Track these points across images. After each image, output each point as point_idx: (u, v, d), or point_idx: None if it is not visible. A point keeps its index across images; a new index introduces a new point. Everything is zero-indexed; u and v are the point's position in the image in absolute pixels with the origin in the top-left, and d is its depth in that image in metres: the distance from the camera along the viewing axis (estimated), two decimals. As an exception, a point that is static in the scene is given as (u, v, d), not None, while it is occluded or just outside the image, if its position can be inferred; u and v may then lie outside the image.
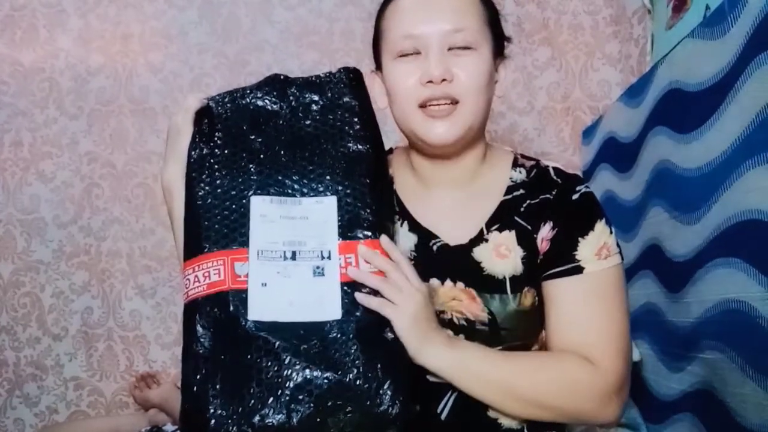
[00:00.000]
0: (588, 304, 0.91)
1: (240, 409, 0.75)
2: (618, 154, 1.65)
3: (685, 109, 1.26)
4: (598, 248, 0.92)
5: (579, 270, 0.91)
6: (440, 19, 0.92)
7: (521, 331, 0.94)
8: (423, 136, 0.93)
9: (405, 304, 0.82)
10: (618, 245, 0.94)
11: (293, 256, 0.83)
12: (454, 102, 0.91)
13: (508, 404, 0.88)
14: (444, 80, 0.90)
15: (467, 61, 0.92)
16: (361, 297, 0.82)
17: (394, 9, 0.96)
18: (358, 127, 0.91)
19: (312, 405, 0.75)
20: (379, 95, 1.00)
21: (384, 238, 0.86)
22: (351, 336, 0.79)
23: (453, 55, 0.92)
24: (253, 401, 0.75)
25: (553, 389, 0.87)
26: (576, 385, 0.87)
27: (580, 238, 0.92)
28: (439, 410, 0.93)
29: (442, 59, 0.91)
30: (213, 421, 0.75)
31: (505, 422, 0.94)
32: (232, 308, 0.79)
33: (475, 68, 0.92)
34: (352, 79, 0.95)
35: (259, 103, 0.93)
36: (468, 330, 0.93)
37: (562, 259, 0.92)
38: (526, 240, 0.95)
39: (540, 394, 0.87)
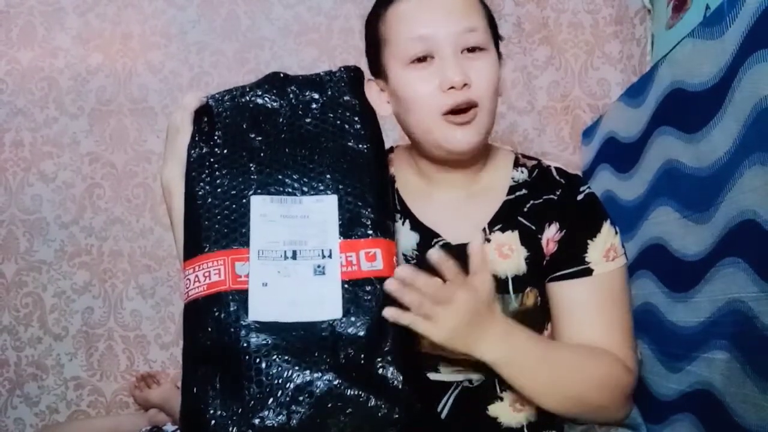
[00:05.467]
0: (599, 306, 0.92)
1: (240, 409, 0.75)
2: (618, 153, 1.65)
3: (689, 109, 1.26)
4: (605, 250, 0.93)
5: (588, 272, 0.92)
6: (451, 20, 0.90)
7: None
8: (444, 144, 0.92)
9: (441, 321, 0.79)
10: (623, 245, 0.95)
11: (294, 256, 0.82)
12: (474, 105, 0.90)
13: (550, 400, 0.88)
14: (465, 85, 0.89)
15: (481, 64, 0.91)
16: (390, 313, 0.78)
17: (397, 13, 0.94)
18: (358, 125, 0.91)
19: (312, 406, 0.75)
20: (379, 104, 0.97)
21: (403, 270, 0.79)
22: (352, 336, 0.79)
23: (465, 58, 0.90)
24: (252, 402, 0.75)
25: (597, 387, 0.88)
26: (615, 383, 0.89)
27: (588, 241, 0.93)
28: (439, 409, 0.93)
29: (460, 63, 0.89)
30: (213, 421, 0.75)
31: (505, 420, 0.94)
32: (232, 308, 0.79)
33: (489, 70, 0.92)
34: (353, 77, 0.94)
35: (259, 101, 0.92)
36: None
37: (571, 262, 0.93)
38: (530, 240, 0.95)
39: (584, 392, 0.87)
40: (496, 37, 0.97)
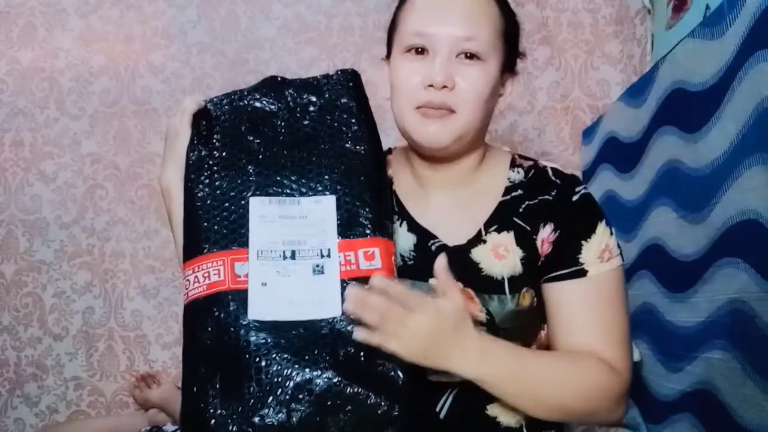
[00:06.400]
0: (593, 308, 0.91)
1: (240, 408, 0.75)
2: (620, 153, 1.65)
3: (690, 109, 1.26)
4: (600, 251, 0.92)
5: (582, 273, 0.91)
6: (453, 22, 0.91)
7: (520, 332, 0.94)
8: (414, 135, 0.93)
9: (408, 340, 0.78)
10: (618, 246, 0.95)
11: (293, 256, 0.83)
12: (450, 111, 0.91)
13: (535, 411, 0.88)
14: (445, 87, 0.89)
15: (471, 72, 0.91)
16: (359, 335, 0.76)
17: (412, 4, 0.96)
18: (355, 127, 0.91)
19: (312, 404, 0.75)
20: (387, 86, 0.99)
21: (376, 279, 0.78)
22: (351, 335, 0.79)
23: (459, 63, 0.91)
24: (252, 401, 0.75)
25: (580, 396, 0.87)
26: (600, 389, 0.88)
27: (583, 241, 0.92)
28: (438, 409, 0.93)
29: (447, 65, 0.90)
30: (213, 421, 0.75)
31: (504, 421, 0.94)
32: (232, 308, 0.79)
33: (478, 80, 0.91)
34: (350, 80, 0.95)
35: (257, 104, 0.93)
36: None
37: (565, 262, 0.92)
38: (526, 241, 0.95)
39: (567, 402, 0.87)
40: (511, 54, 0.97)
